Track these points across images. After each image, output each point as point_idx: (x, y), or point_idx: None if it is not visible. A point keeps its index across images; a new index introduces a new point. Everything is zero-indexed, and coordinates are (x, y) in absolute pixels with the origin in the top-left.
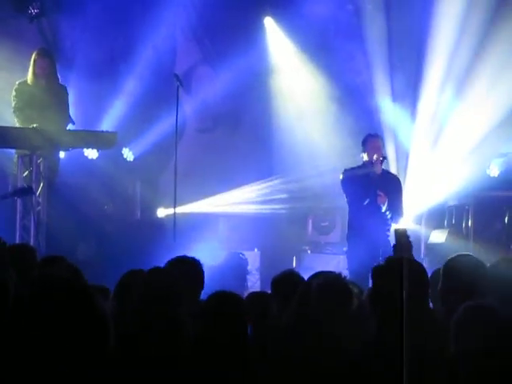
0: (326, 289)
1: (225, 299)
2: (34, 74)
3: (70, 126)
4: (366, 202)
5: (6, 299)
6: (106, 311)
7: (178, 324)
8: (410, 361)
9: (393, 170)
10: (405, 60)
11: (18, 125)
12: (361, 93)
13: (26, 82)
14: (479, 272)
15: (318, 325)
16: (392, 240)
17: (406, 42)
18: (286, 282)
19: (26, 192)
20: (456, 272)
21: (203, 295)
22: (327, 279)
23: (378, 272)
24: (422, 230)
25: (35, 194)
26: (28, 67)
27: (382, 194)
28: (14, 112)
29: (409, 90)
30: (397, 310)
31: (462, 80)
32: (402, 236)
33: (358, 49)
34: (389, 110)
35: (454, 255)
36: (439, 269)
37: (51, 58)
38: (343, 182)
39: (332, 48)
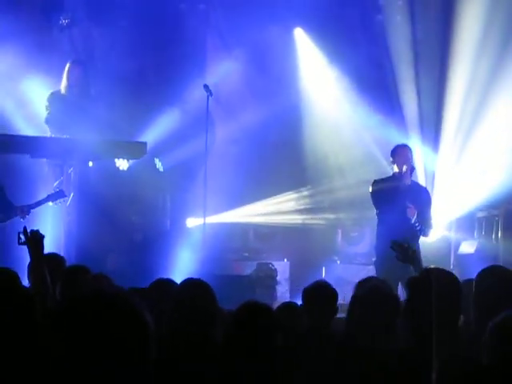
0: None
1: (256, 309)
2: (68, 83)
3: (100, 136)
4: (395, 215)
5: (32, 312)
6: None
7: (208, 334)
8: (441, 373)
9: (421, 179)
10: (429, 70)
11: (50, 134)
12: (390, 103)
13: (59, 91)
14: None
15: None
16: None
17: (432, 53)
18: (317, 293)
19: (59, 196)
20: (488, 284)
21: (231, 305)
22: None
23: (412, 283)
24: (451, 240)
25: (67, 196)
26: (61, 77)
27: (411, 206)
28: (46, 122)
29: (434, 99)
30: (431, 322)
31: (488, 88)
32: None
33: (386, 58)
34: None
35: (486, 266)
36: (470, 280)
37: (85, 68)
38: (373, 193)
39: (360, 57)
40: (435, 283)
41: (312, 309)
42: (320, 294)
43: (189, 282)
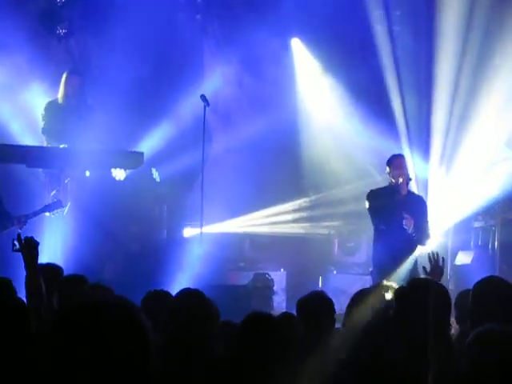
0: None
1: (261, 320)
2: (65, 93)
3: (97, 146)
4: (392, 225)
5: (25, 323)
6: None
7: (209, 343)
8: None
9: (415, 189)
10: (425, 81)
11: (46, 144)
12: (386, 112)
13: (56, 100)
14: (508, 294)
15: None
16: (419, 262)
17: (425, 63)
18: (312, 304)
19: (56, 206)
20: (485, 295)
21: (227, 315)
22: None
23: (400, 293)
24: (448, 250)
25: (64, 206)
26: (58, 86)
27: (407, 216)
28: (42, 132)
29: (426, 108)
30: (419, 331)
31: (476, 98)
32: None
33: (384, 67)
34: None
35: (483, 277)
36: (467, 290)
37: (82, 77)
38: (369, 204)
39: (357, 67)
40: (424, 293)
41: (307, 320)
42: (315, 304)
43: (185, 292)
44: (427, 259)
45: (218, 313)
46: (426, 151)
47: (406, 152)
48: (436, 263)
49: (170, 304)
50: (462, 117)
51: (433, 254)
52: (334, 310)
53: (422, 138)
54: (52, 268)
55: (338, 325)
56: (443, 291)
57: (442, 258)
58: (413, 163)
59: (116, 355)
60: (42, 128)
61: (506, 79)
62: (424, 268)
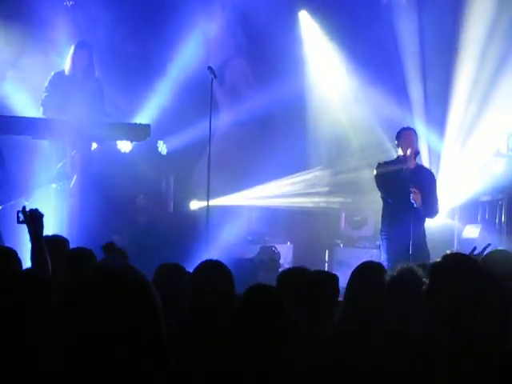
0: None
1: (264, 293)
2: (72, 65)
3: (106, 119)
4: (400, 199)
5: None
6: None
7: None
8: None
9: (426, 163)
10: (436, 55)
11: (42, 115)
12: (395, 84)
13: (62, 72)
14: None
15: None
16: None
17: (438, 41)
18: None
19: (62, 178)
20: (494, 267)
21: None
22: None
23: (435, 268)
24: (455, 224)
25: (71, 178)
26: (64, 57)
27: (415, 190)
28: (42, 104)
29: (440, 82)
30: (455, 307)
31: (496, 73)
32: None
33: (392, 40)
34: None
35: (490, 250)
36: None
37: (90, 50)
38: (377, 177)
39: (366, 39)
40: (458, 269)
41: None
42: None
43: (208, 264)
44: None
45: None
46: (441, 126)
47: (420, 126)
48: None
49: (191, 276)
50: (482, 99)
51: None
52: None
53: (438, 113)
54: (58, 240)
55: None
56: (478, 266)
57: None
58: (427, 137)
59: (128, 330)
60: (42, 100)
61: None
62: (474, 249)
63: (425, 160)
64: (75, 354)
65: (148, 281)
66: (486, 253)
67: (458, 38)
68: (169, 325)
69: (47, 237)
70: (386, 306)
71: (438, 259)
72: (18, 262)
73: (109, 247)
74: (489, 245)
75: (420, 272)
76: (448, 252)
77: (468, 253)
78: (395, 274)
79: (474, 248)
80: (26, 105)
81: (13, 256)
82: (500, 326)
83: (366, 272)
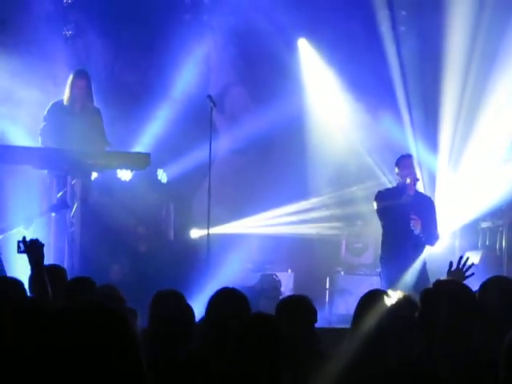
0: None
1: (265, 322)
2: (71, 94)
3: (106, 148)
4: (400, 226)
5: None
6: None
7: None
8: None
9: (422, 189)
10: (433, 81)
11: (42, 144)
12: (395, 110)
13: (60, 102)
14: None
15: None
16: (427, 263)
17: (434, 64)
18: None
19: (63, 207)
20: (493, 295)
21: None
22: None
23: (426, 295)
24: (456, 250)
25: (71, 207)
26: (63, 88)
27: (415, 217)
28: (40, 134)
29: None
30: (446, 333)
31: (484, 96)
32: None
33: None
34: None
35: (490, 277)
36: (474, 292)
37: (88, 79)
38: (377, 204)
39: (364, 67)
40: (449, 296)
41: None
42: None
43: (224, 291)
44: (457, 260)
45: None
46: (434, 149)
47: (414, 150)
48: (462, 266)
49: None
50: (469, 115)
51: (463, 258)
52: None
53: (430, 136)
54: (55, 269)
55: (347, 325)
56: (467, 292)
57: (471, 264)
58: (419, 162)
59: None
60: (41, 129)
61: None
62: (450, 264)
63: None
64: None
65: (123, 317)
66: (466, 265)
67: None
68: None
69: (45, 266)
70: (384, 333)
71: (430, 286)
72: (25, 292)
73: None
74: (467, 258)
75: (417, 299)
76: (441, 278)
77: (448, 270)
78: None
79: (451, 263)
80: (20, 137)
81: (21, 286)
82: (493, 351)
83: (373, 299)
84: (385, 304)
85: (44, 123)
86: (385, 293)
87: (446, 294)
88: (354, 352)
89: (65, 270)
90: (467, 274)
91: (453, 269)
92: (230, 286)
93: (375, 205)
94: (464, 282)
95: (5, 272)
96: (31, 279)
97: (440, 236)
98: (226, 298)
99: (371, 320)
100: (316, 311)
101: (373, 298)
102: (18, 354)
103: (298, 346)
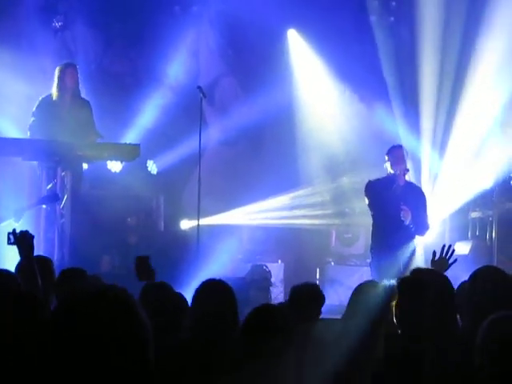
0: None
1: (270, 313)
2: (59, 88)
3: (98, 139)
4: (390, 217)
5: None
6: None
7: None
8: (434, 373)
9: (417, 180)
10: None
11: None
12: (385, 100)
13: (49, 97)
14: (506, 284)
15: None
16: (417, 253)
17: (426, 53)
18: (305, 294)
19: (53, 199)
20: (483, 285)
21: None
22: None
23: (403, 283)
24: (446, 241)
25: (61, 199)
26: (52, 81)
27: (405, 208)
28: (29, 128)
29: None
30: (421, 322)
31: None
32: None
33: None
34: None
35: (479, 267)
36: (465, 282)
37: (75, 71)
38: (367, 194)
39: (354, 57)
40: (425, 284)
41: (297, 308)
42: (308, 295)
43: (210, 283)
44: (440, 248)
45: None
46: (428, 140)
47: (404, 141)
48: (445, 255)
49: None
50: (459, 103)
51: (446, 246)
52: (321, 305)
53: (416, 124)
54: (42, 260)
55: (338, 316)
56: (446, 281)
57: (453, 250)
58: (413, 154)
59: (114, 350)
60: (30, 124)
61: (492, 59)
62: (434, 253)
63: (424, 177)
64: (60, 375)
65: (134, 301)
66: (449, 254)
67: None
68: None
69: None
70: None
71: (407, 274)
72: (19, 285)
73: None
74: (449, 246)
75: None
76: (419, 267)
77: (431, 259)
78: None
79: (434, 252)
80: (14, 127)
81: (16, 279)
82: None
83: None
84: (378, 294)
85: (33, 118)
86: (378, 283)
87: (422, 282)
88: (348, 341)
89: (51, 260)
90: (450, 261)
91: (436, 258)
92: (220, 276)
93: (365, 195)
94: (446, 272)
95: None
96: (18, 270)
97: (430, 226)
98: (211, 290)
99: (365, 310)
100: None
101: (366, 288)
102: (19, 348)
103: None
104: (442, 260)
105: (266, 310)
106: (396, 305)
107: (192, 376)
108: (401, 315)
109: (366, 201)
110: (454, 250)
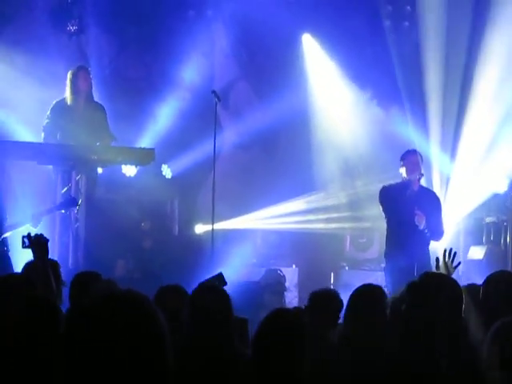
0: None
1: (286, 318)
2: (72, 92)
3: (112, 142)
4: (404, 222)
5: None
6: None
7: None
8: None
9: (429, 185)
10: (439, 76)
11: (44, 140)
12: (400, 104)
13: (63, 100)
14: None
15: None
16: (432, 258)
17: (439, 60)
18: (324, 298)
19: (71, 204)
20: (497, 289)
21: (240, 312)
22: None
23: (412, 287)
24: (460, 246)
25: (78, 204)
26: (65, 85)
27: (419, 213)
28: (43, 129)
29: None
30: (431, 326)
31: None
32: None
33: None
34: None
35: (493, 272)
36: (475, 285)
37: (88, 75)
38: (381, 200)
39: (368, 62)
40: (436, 288)
41: (315, 313)
42: (327, 301)
43: (204, 287)
44: (442, 253)
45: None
46: (442, 145)
47: (419, 146)
48: (448, 259)
49: (188, 299)
50: (474, 110)
51: (448, 250)
52: (340, 311)
53: (437, 132)
54: (51, 263)
55: None
56: (455, 285)
57: (455, 253)
58: (430, 159)
59: (131, 355)
60: (44, 126)
61: (503, 61)
62: (437, 260)
63: (436, 181)
64: (78, 379)
65: (152, 306)
66: (451, 258)
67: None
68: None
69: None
70: (389, 328)
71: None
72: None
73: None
74: (451, 249)
75: None
76: (428, 271)
77: (436, 265)
78: (397, 296)
79: (437, 259)
80: (28, 131)
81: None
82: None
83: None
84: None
85: (47, 120)
86: (378, 288)
87: (432, 285)
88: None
89: (59, 265)
90: (454, 264)
91: (440, 263)
92: (235, 280)
93: (380, 199)
94: (461, 277)
95: (12, 268)
96: (25, 268)
97: (445, 232)
98: (204, 296)
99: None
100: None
101: (366, 293)
102: (32, 352)
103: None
104: (447, 264)
105: (283, 314)
106: (406, 309)
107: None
108: (411, 319)
109: (381, 206)
110: (455, 253)
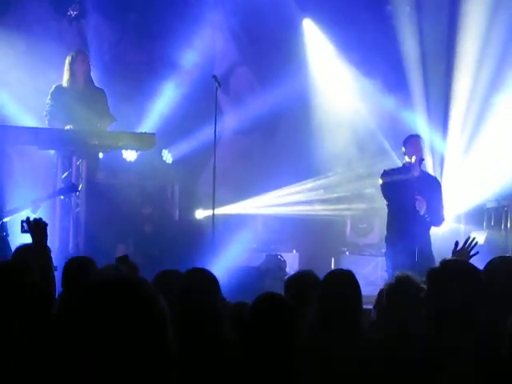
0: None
1: (277, 303)
2: (71, 76)
3: (112, 122)
4: (405, 207)
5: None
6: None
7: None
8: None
9: (429, 168)
10: (438, 60)
11: (49, 125)
12: (400, 90)
13: (62, 84)
14: None
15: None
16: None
17: (439, 47)
18: (299, 283)
19: (71, 190)
20: (498, 274)
21: (240, 296)
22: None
23: (433, 275)
24: (461, 231)
25: (78, 190)
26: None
27: (420, 198)
28: (46, 114)
29: (442, 86)
30: (453, 312)
31: (497, 74)
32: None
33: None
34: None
35: (494, 257)
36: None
37: (86, 58)
38: (382, 185)
39: (370, 46)
40: (456, 274)
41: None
42: (301, 284)
43: (193, 271)
44: (464, 241)
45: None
46: (444, 131)
47: (424, 131)
48: (467, 246)
49: (179, 283)
50: (481, 96)
51: (470, 238)
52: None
53: (440, 117)
54: None
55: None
56: (475, 272)
57: (476, 242)
58: (430, 142)
59: (131, 338)
60: (46, 110)
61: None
62: (456, 244)
63: (429, 164)
64: (75, 367)
65: (153, 291)
66: (471, 245)
67: (458, 42)
68: None
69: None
70: (385, 312)
71: (436, 266)
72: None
73: (122, 259)
74: (473, 239)
75: (418, 279)
76: (447, 258)
77: (453, 250)
78: (393, 281)
79: (457, 243)
80: (29, 116)
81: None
82: (495, 331)
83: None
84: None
85: (49, 104)
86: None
87: (454, 273)
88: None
89: (50, 250)
90: (472, 253)
91: (458, 248)
92: (235, 266)
93: (380, 183)
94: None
95: (12, 253)
96: (16, 251)
97: (445, 217)
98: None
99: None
100: None
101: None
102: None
103: None
104: (464, 251)
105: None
106: (426, 295)
107: None
108: (429, 307)
109: (381, 191)
110: (477, 243)
